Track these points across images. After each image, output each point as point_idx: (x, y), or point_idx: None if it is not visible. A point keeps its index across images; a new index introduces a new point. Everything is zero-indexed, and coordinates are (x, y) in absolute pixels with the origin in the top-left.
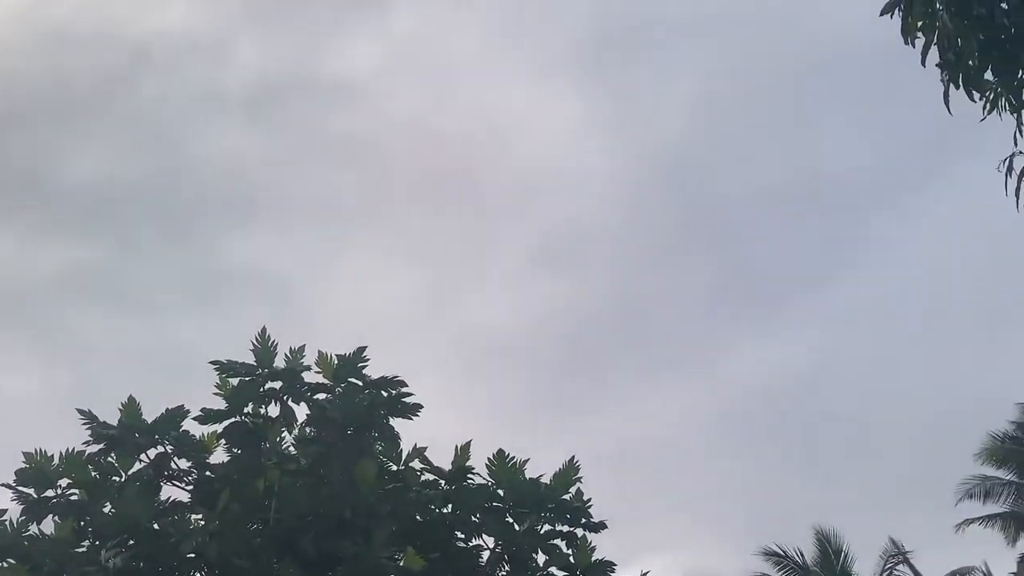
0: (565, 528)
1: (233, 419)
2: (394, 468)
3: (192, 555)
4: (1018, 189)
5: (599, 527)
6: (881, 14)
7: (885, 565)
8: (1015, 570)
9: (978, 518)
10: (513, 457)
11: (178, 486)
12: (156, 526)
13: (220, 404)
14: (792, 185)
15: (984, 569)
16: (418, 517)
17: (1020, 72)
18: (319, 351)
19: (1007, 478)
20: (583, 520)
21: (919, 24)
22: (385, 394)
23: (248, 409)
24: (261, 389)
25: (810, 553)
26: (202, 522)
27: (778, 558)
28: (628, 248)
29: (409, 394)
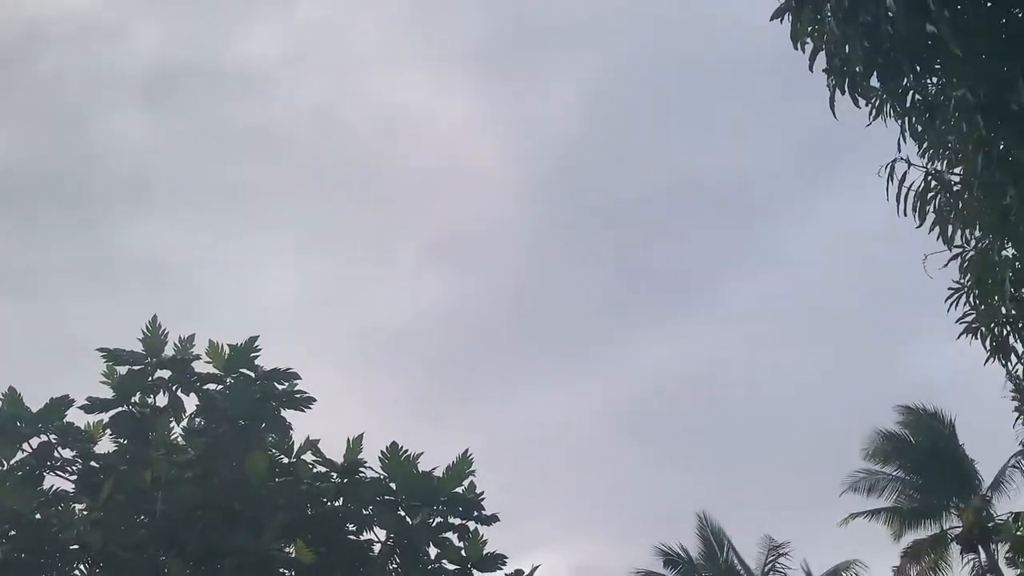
0: (457, 521)
1: (120, 408)
2: (285, 461)
3: (75, 546)
4: (899, 194)
5: (491, 520)
6: (771, 19)
7: (767, 559)
8: (898, 564)
9: (863, 512)
10: (406, 450)
11: (62, 476)
12: (38, 516)
13: (107, 393)
14: (685, 185)
15: (862, 563)
16: (309, 510)
17: (904, 79)
18: (210, 340)
19: (892, 473)
20: (475, 513)
21: (808, 29)
22: (278, 386)
23: (136, 399)
24: (149, 378)
25: (696, 549)
26: (86, 512)
27: (666, 555)
28: (525, 245)
29: (302, 387)
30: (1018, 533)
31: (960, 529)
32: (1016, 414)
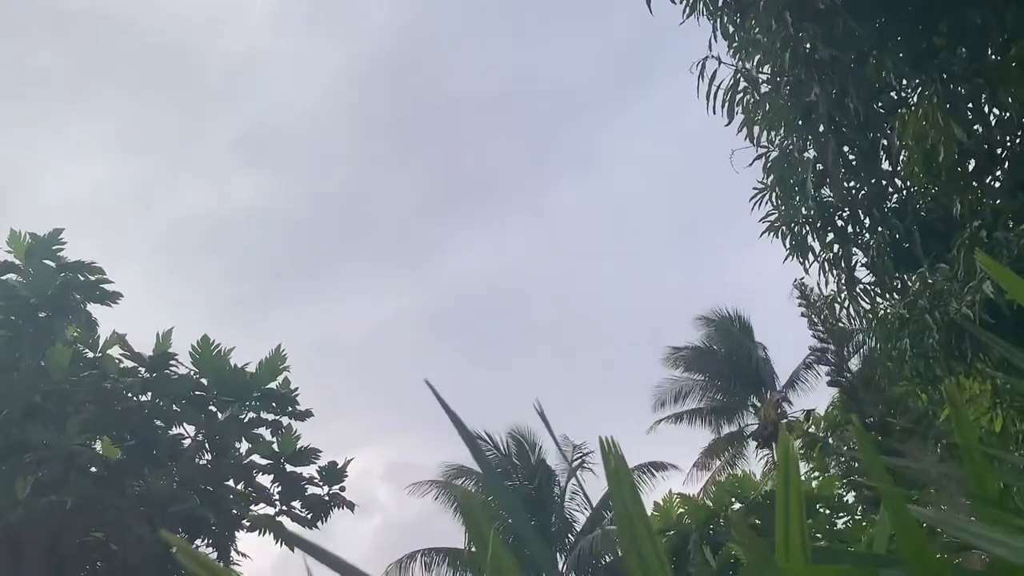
0: (270, 416)
1: None
2: (90, 355)
3: None
4: (709, 92)
5: (304, 415)
6: None
7: (574, 457)
8: (699, 459)
9: (667, 417)
10: (218, 345)
11: None
12: None
13: None
14: (504, 89)
15: (672, 464)
16: (115, 405)
17: None
18: (12, 229)
19: (696, 378)
20: (289, 408)
21: None
22: (81, 279)
23: None
24: None
25: (509, 445)
26: None
27: (482, 443)
28: (342, 144)
29: (107, 280)
30: (809, 430)
31: (756, 426)
32: (804, 317)
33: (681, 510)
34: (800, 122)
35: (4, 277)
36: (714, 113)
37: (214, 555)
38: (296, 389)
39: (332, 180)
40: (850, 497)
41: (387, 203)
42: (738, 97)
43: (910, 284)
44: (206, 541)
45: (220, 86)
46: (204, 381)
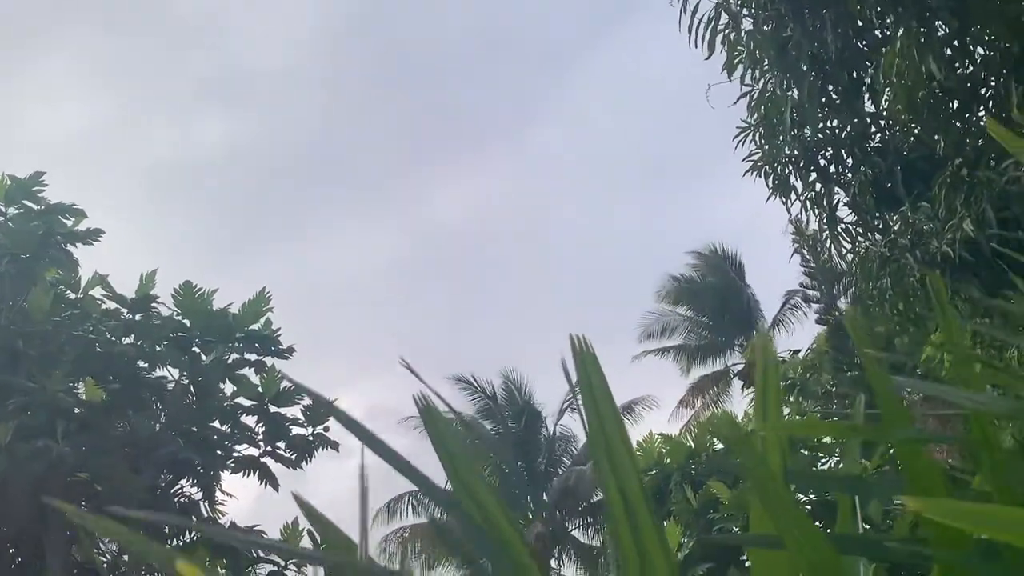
0: (254, 357)
1: None
2: (72, 296)
3: None
4: (691, 25)
5: (287, 353)
6: None
7: (565, 398)
8: (684, 396)
9: (654, 350)
10: (200, 288)
11: None
12: None
13: None
14: (485, 32)
15: (654, 399)
16: (98, 347)
17: None
18: None
19: (683, 314)
20: (272, 349)
21: None
22: (63, 220)
23: None
24: None
25: (497, 388)
26: None
27: (469, 387)
28: (320, 88)
29: (86, 221)
30: (791, 374)
31: (742, 365)
32: (792, 250)
33: (662, 449)
34: (779, 59)
35: None
36: (695, 47)
37: (199, 495)
38: (278, 330)
39: (310, 123)
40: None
41: (366, 147)
42: (721, 34)
43: (891, 223)
44: (191, 482)
45: (193, 26)
46: (187, 323)
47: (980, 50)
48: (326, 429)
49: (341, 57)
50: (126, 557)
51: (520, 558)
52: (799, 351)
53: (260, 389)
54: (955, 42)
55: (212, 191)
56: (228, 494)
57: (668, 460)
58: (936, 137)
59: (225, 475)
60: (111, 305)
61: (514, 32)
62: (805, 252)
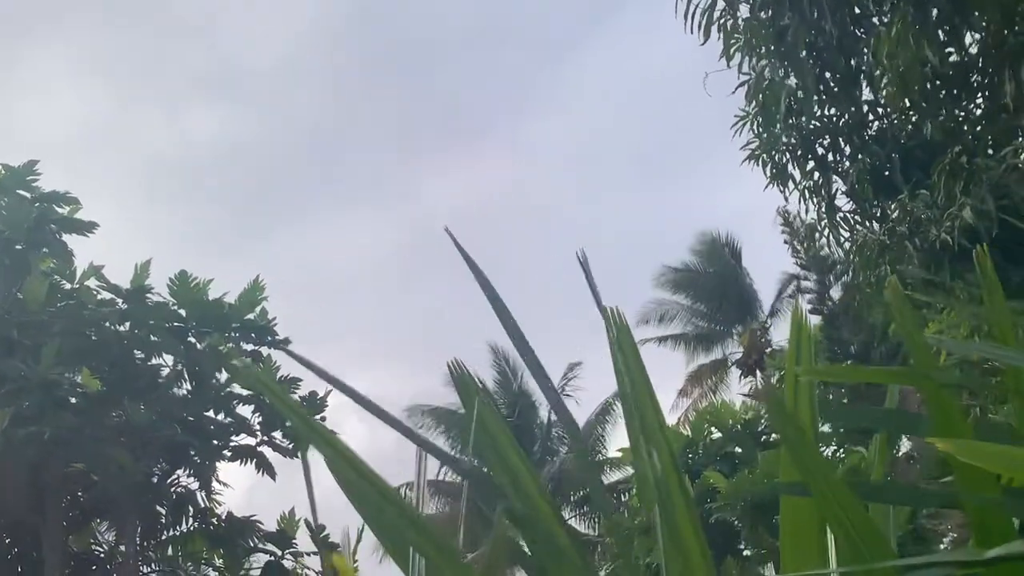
0: (250, 347)
1: None
2: (67, 286)
3: None
4: (687, 11)
5: (283, 343)
6: None
7: (561, 381)
8: (682, 386)
9: (651, 339)
10: (196, 278)
11: None
12: None
13: None
14: (481, 23)
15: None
16: (93, 336)
17: None
18: None
19: (682, 302)
20: (268, 338)
21: None
22: (58, 209)
23: None
24: None
25: (490, 380)
26: None
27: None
28: (316, 80)
29: (81, 211)
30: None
31: (740, 354)
32: (786, 245)
33: None
34: (776, 46)
35: None
36: (691, 33)
37: (195, 484)
38: (274, 319)
39: (308, 116)
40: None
41: (364, 138)
42: (717, 21)
43: (890, 211)
44: (187, 471)
45: (190, 20)
46: (183, 312)
47: (976, 35)
48: (323, 419)
49: (338, 51)
50: (123, 547)
51: (554, 530)
52: None
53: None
54: (949, 27)
55: (210, 184)
56: (224, 484)
57: None
58: (933, 123)
59: (221, 464)
60: (106, 295)
61: (510, 23)
62: (796, 243)
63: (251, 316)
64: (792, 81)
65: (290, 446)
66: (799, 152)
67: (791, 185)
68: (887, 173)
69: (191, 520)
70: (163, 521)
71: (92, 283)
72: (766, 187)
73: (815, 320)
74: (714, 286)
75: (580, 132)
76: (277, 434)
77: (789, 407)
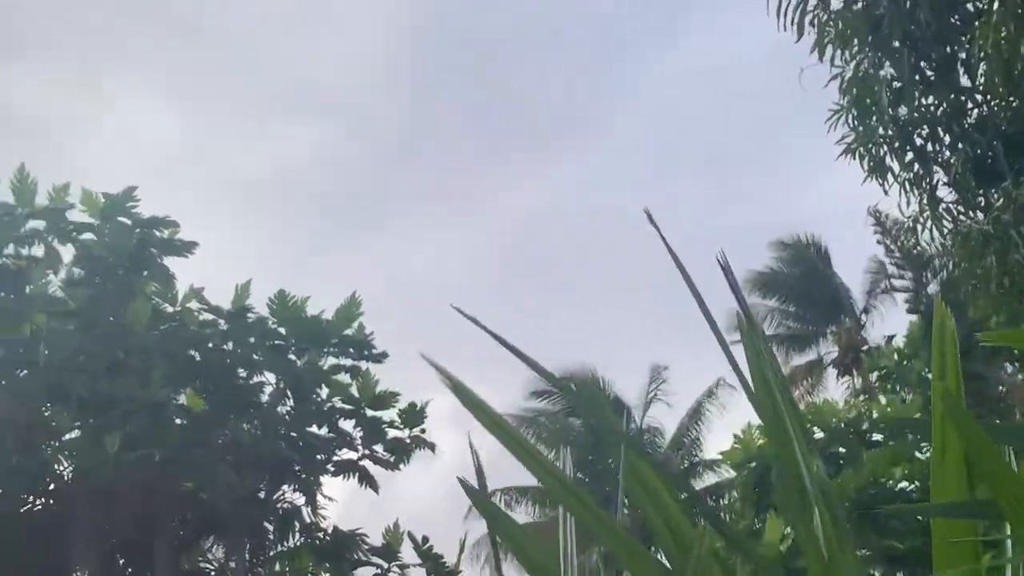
0: (349, 362)
1: None
2: (170, 309)
3: None
4: (780, 9)
5: (381, 357)
6: None
7: (650, 386)
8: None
9: (738, 341)
10: (294, 296)
11: None
12: None
13: None
14: (552, 27)
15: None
16: (196, 357)
17: None
18: (84, 189)
19: (770, 304)
20: (365, 353)
21: None
22: (157, 234)
23: (9, 250)
24: (22, 229)
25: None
26: None
27: (549, 388)
28: (394, 87)
29: (181, 234)
30: (884, 363)
31: (835, 354)
32: (880, 244)
33: (761, 441)
34: (871, 37)
35: (82, 237)
36: (784, 30)
37: (301, 500)
38: (371, 333)
39: (388, 127)
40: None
41: (445, 147)
42: (808, 16)
43: (993, 200)
44: (292, 487)
45: (267, 38)
46: (283, 331)
47: None
48: (423, 431)
49: (415, 61)
50: (232, 564)
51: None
52: (893, 337)
53: (355, 393)
54: None
55: (296, 199)
56: (329, 498)
57: (766, 452)
58: None
59: (325, 479)
60: (207, 316)
61: (588, 23)
62: (888, 242)
63: (349, 332)
64: (887, 71)
65: (391, 459)
66: (897, 144)
67: (890, 178)
68: (989, 161)
69: (297, 535)
70: (270, 537)
71: (193, 304)
72: (864, 181)
73: (911, 318)
74: (802, 287)
75: (659, 133)
76: (378, 447)
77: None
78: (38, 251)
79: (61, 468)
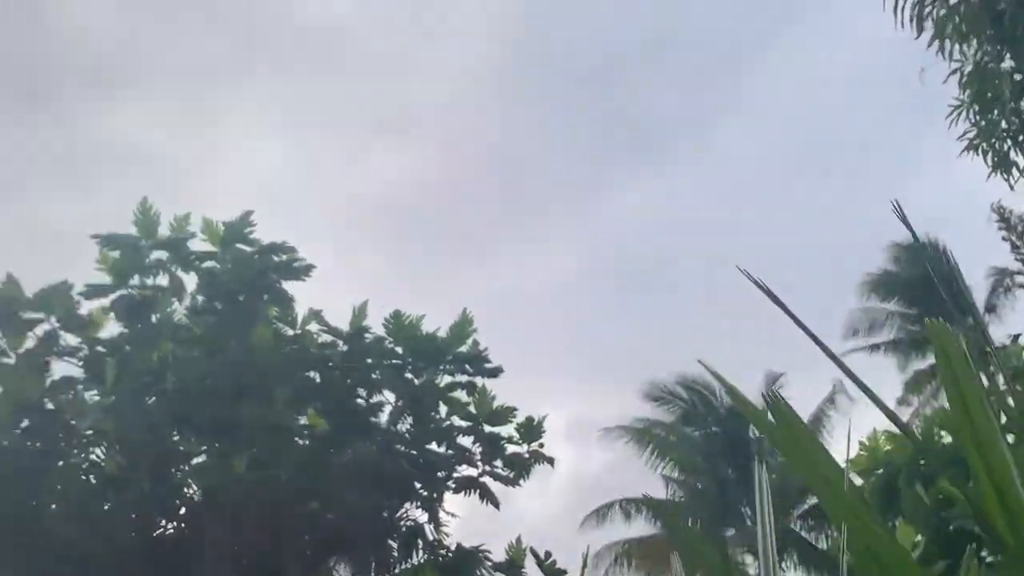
0: (464, 379)
1: (120, 292)
2: (290, 332)
3: (90, 431)
4: (896, 6)
5: (496, 372)
6: None
7: (763, 397)
8: (901, 395)
9: (861, 348)
10: (409, 316)
11: (70, 362)
12: (49, 405)
13: (105, 279)
14: (651, 39)
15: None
16: (317, 378)
17: None
18: (203, 218)
19: (890, 308)
20: (481, 368)
21: None
22: (275, 259)
23: (135, 281)
24: (146, 260)
25: (689, 395)
26: (96, 398)
27: (661, 398)
28: (497, 103)
29: (299, 258)
30: (1014, 361)
31: None
32: (1005, 241)
33: (888, 447)
34: (991, 31)
35: (204, 265)
36: (902, 27)
37: (424, 517)
38: (485, 349)
39: (487, 145)
40: None
41: (544, 161)
42: (926, 10)
43: None
44: (415, 504)
45: (367, 63)
46: (399, 350)
47: None
48: (541, 446)
49: (513, 75)
50: None
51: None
52: (1019, 336)
53: (473, 409)
54: None
55: (401, 220)
56: (452, 514)
57: (894, 458)
58: None
59: (445, 496)
60: (327, 338)
61: (687, 32)
62: (1014, 238)
63: (463, 348)
64: (1008, 64)
65: (510, 475)
66: (1021, 137)
67: (1015, 173)
68: None
69: (421, 552)
70: (395, 555)
71: (312, 327)
72: (988, 176)
73: None
74: (923, 288)
75: (765, 139)
76: (497, 463)
77: None
78: (163, 281)
79: (190, 492)
